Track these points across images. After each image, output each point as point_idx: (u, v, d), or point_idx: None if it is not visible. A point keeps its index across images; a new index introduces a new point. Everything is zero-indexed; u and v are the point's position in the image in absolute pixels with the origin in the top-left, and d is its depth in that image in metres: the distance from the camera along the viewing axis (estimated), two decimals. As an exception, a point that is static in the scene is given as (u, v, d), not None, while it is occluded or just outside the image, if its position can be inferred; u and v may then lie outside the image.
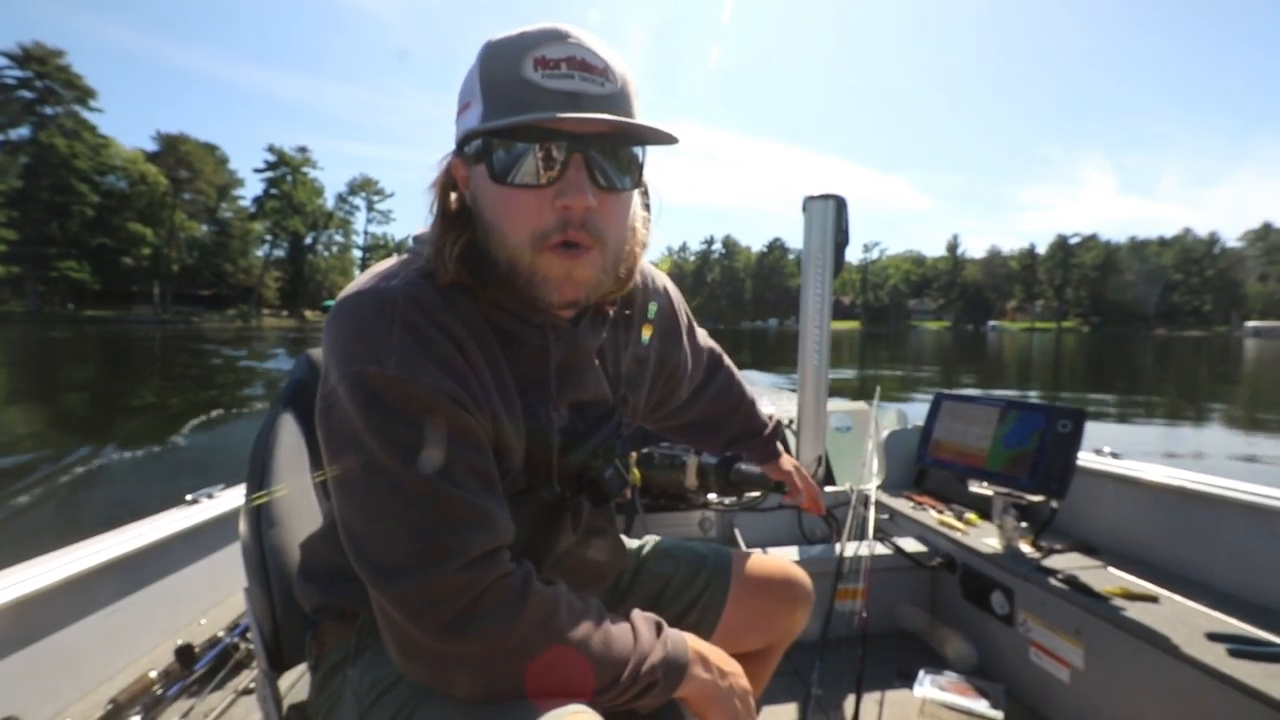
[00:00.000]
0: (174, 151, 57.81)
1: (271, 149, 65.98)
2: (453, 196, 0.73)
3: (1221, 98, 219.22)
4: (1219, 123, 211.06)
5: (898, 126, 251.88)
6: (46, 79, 48.40)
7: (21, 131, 47.52)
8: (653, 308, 0.91)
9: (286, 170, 66.00)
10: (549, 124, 0.62)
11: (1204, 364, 26.62)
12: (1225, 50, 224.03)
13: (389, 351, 0.62)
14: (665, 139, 0.67)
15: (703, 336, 1.14)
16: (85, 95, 50.28)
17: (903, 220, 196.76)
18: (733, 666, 0.77)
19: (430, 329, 0.64)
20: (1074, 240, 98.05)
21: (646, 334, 0.90)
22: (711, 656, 0.75)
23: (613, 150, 0.65)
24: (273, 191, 65.53)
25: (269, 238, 66.84)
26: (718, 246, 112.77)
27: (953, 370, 22.11)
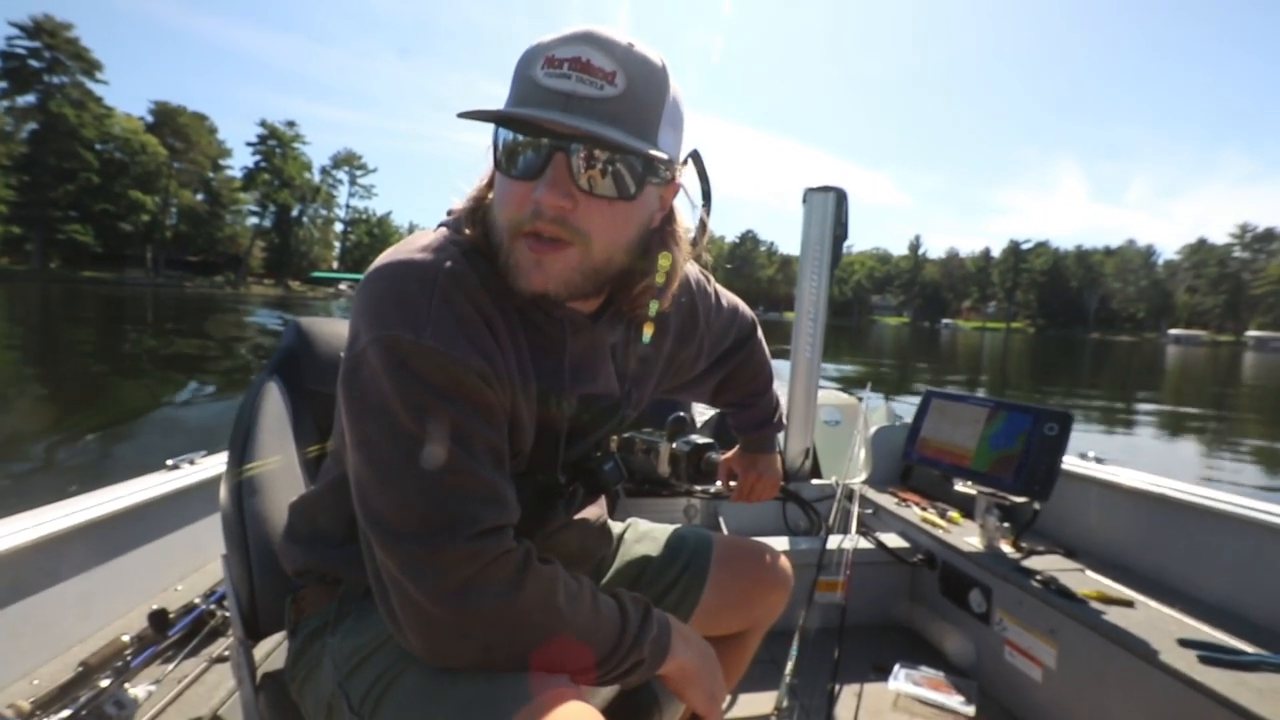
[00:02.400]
0: (171, 122, 59.58)
1: (263, 124, 67.36)
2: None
3: (1192, 110, 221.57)
4: (1188, 134, 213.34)
5: (882, 122, 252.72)
6: (55, 50, 50.32)
7: (28, 99, 49.58)
8: (653, 306, 0.89)
9: (277, 144, 67.46)
10: (533, 120, 0.62)
11: (1118, 367, 29.89)
12: (1197, 63, 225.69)
13: (426, 321, 0.63)
14: (641, 154, 0.63)
15: (734, 311, 1.11)
16: (92, 67, 52.44)
17: (883, 216, 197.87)
18: (708, 648, 0.81)
19: (467, 306, 0.66)
20: (1026, 246, 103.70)
21: (648, 332, 0.89)
22: (690, 635, 0.78)
23: (606, 155, 0.63)
24: (263, 165, 67.03)
25: (257, 209, 68.66)
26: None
27: (909, 364, 23.54)
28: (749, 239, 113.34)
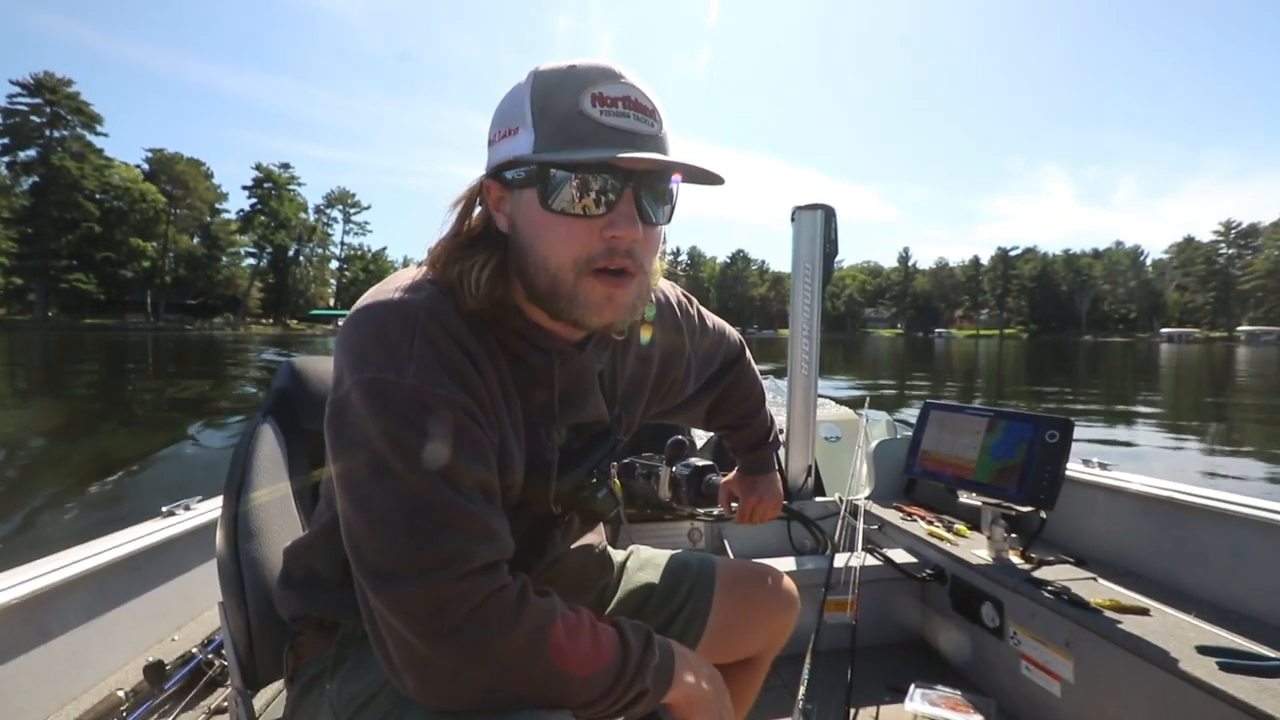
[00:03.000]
0: (168, 170, 62.87)
1: (259, 168, 71.04)
2: (473, 215, 0.74)
3: (1175, 110, 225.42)
4: (1172, 134, 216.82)
5: (867, 137, 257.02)
6: (55, 105, 54.03)
7: (29, 153, 53.44)
8: (650, 310, 0.92)
9: (272, 186, 70.23)
10: (609, 161, 0.64)
11: (1113, 368, 30.14)
12: (1179, 63, 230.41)
13: (408, 360, 0.63)
14: (714, 179, 0.69)
15: (720, 334, 1.12)
16: (92, 120, 56.19)
17: (870, 230, 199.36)
18: (714, 672, 0.79)
19: (449, 343, 0.66)
20: (1015, 253, 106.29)
21: (646, 335, 0.92)
22: (694, 661, 0.77)
23: (657, 186, 0.68)
24: (259, 207, 69.94)
25: (254, 250, 71.38)
26: (684, 257, 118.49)
27: (906, 375, 23.83)
28: (740, 258, 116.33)
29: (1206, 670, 1.14)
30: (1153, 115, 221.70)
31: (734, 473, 1.32)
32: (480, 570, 0.62)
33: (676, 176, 0.69)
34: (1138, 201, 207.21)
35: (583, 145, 0.64)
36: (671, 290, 0.99)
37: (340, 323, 0.71)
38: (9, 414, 11.20)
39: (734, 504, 1.32)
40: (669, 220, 0.72)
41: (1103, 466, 1.85)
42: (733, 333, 1.17)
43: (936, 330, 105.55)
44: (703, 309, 1.07)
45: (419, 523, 0.61)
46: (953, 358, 37.36)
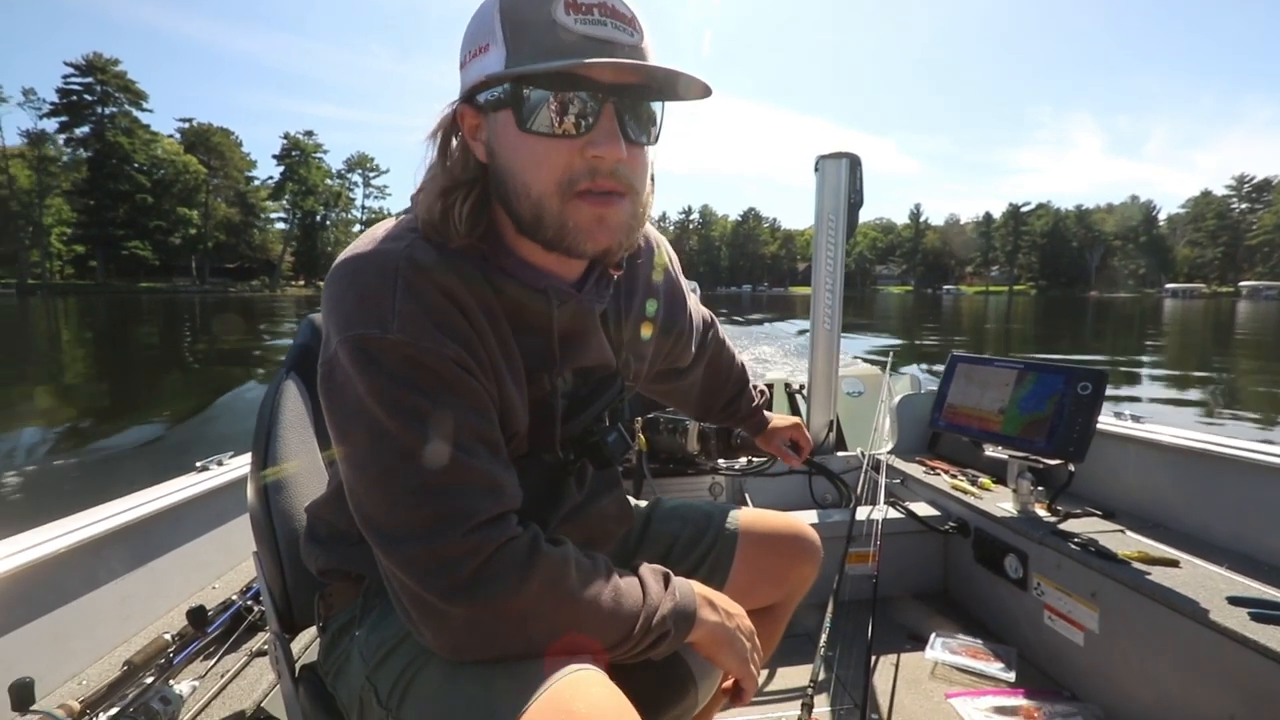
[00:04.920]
0: (204, 141, 67.59)
1: (287, 136, 75.39)
2: (452, 146, 0.69)
3: (1212, 55, 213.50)
4: (1209, 82, 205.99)
5: (884, 86, 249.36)
6: (105, 84, 58.51)
7: (83, 130, 58.08)
8: (651, 305, 0.89)
9: (300, 154, 74.20)
10: (584, 71, 0.59)
11: (1110, 324, 29.83)
12: (1212, 9, 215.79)
13: (392, 315, 0.60)
14: (700, 90, 0.64)
15: (694, 300, 1.12)
16: (138, 98, 60.72)
17: (889, 184, 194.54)
18: (736, 608, 0.78)
19: (434, 292, 0.62)
20: (1026, 208, 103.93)
21: (651, 307, 0.89)
22: (717, 600, 0.76)
23: (639, 103, 0.64)
24: (289, 175, 74.36)
25: (284, 216, 76.34)
26: (695, 216, 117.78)
27: (912, 327, 24.01)
28: (752, 216, 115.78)
29: (1238, 620, 1.13)
30: (1189, 60, 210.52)
31: (759, 438, 1.32)
32: (487, 524, 0.61)
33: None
34: (1170, 152, 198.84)
35: (557, 57, 0.59)
36: (666, 244, 0.97)
37: None
38: (92, 369, 12.65)
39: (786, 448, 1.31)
40: (654, 141, 0.68)
41: (1134, 419, 1.81)
42: (702, 306, 1.16)
43: (945, 287, 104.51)
44: None
45: (419, 481, 0.59)
46: (961, 314, 37.39)
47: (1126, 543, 1.47)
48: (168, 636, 1.43)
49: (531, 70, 0.59)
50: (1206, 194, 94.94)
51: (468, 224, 0.66)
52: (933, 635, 1.62)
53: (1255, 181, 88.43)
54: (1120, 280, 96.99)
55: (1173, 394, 9.72)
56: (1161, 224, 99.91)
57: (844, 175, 2.11)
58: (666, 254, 0.95)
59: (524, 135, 0.62)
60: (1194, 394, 9.88)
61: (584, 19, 0.59)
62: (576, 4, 0.59)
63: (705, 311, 1.14)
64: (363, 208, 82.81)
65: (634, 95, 0.62)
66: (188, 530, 1.69)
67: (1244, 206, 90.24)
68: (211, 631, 1.50)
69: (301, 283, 72.46)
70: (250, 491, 0.92)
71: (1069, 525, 1.56)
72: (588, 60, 0.58)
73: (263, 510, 0.89)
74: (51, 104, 56.96)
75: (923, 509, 1.89)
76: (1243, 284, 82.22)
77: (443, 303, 0.63)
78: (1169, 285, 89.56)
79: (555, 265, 0.72)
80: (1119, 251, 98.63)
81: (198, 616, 1.47)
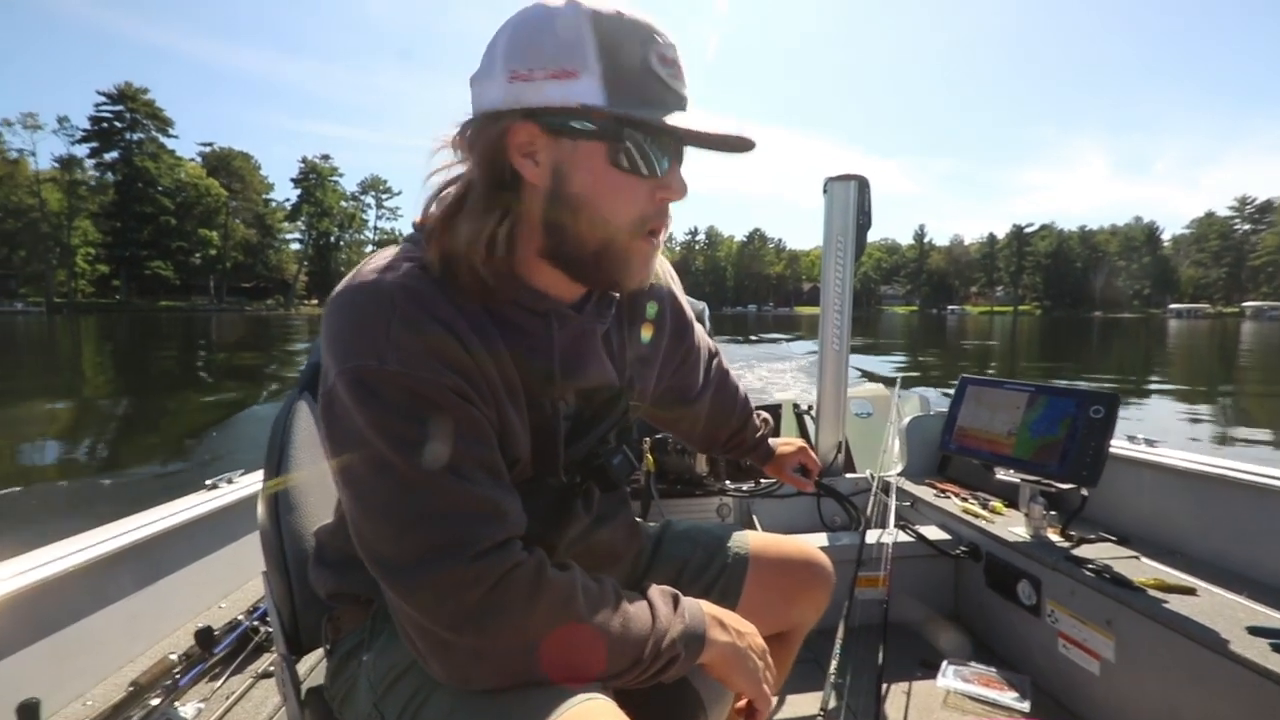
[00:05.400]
0: (225, 165, 71.38)
1: (304, 160, 79.48)
2: (502, 162, 0.66)
3: (1219, 77, 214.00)
4: (1217, 103, 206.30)
5: (889, 109, 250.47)
6: (134, 112, 62.44)
7: (112, 154, 62.44)
8: (652, 308, 0.89)
9: (317, 178, 78.08)
10: (681, 125, 0.63)
11: (1113, 344, 30.56)
12: (1222, 28, 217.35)
13: (388, 346, 0.60)
14: (750, 147, 0.69)
15: (699, 329, 1.12)
16: (165, 125, 64.73)
17: (895, 204, 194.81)
18: (748, 627, 0.78)
19: (430, 322, 0.62)
20: (1030, 229, 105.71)
21: (647, 334, 0.89)
22: (727, 619, 0.75)
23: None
24: (306, 198, 78.27)
25: (300, 237, 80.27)
26: (701, 237, 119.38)
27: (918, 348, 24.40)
28: (757, 236, 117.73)
29: (1258, 651, 1.10)
30: (1196, 82, 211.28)
31: (767, 466, 1.30)
32: (491, 551, 0.61)
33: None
34: (1178, 172, 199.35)
35: (654, 107, 0.63)
36: (671, 270, 0.98)
37: None
38: (115, 384, 13.14)
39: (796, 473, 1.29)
40: None
41: (1148, 443, 1.79)
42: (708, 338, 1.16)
43: (950, 307, 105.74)
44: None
45: (421, 511, 0.60)
46: (967, 334, 37.84)
47: (1142, 569, 1.44)
48: (174, 657, 1.43)
49: (643, 118, 0.62)
50: (1210, 215, 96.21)
51: (505, 244, 0.66)
52: (944, 663, 1.60)
53: (1258, 203, 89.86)
54: (1125, 300, 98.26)
55: (1182, 413, 9.69)
56: (1167, 244, 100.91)
57: (852, 197, 2.12)
58: (667, 274, 0.96)
59: (612, 170, 0.65)
60: (1204, 413, 9.83)
61: (670, 71, 0.64)
62: (665, 58, 0.64)
63: (710, 342, 1.15)
64: (375, 229, 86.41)
65: (742, 150, 0.68)
66: (196, 549, 1.69)
67: (1247, 227, 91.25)
68: (218, 652, 1.50)
69: (315, 302, 75.46)
70: (261, 511, 0.92)
71: (1082, 551, 1.54)
72: (698, 128, 0.63)
73: (273, 530, 0.89)
74: (84, 130, 61.19)
75: (933, 532, 1.87)
76: (1246, 304, 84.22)
77: (439, 332, 0.63)
78: (1173, 305, 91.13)
79: (556, 287, 0.72)
80: (1123, 272, 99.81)
81: (205, 637, 1.47)
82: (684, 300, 0.99)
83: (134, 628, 1.49)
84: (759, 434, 1.26)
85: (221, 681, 1.44)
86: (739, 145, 0.67)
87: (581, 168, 0.64)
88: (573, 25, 0.61)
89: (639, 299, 0.87)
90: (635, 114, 0.62)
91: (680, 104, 0.65)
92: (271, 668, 1.50)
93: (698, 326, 1.05)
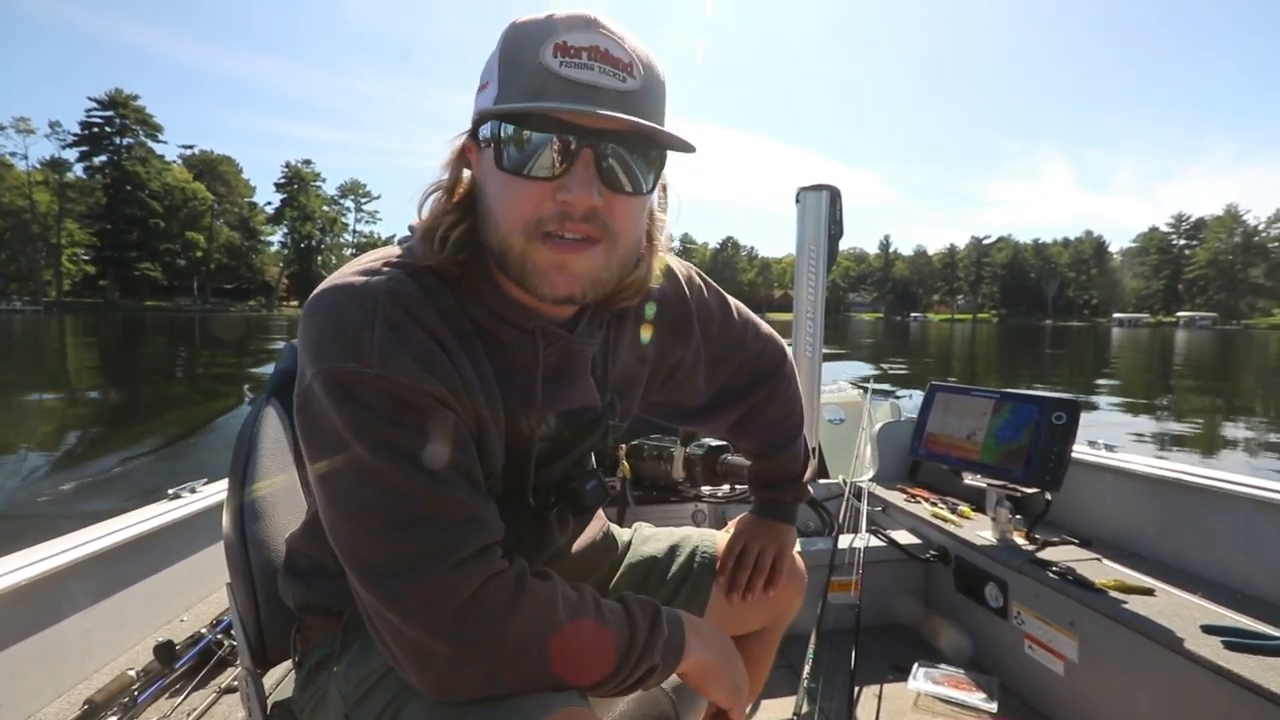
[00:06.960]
0: (211, 170, 74.19)
1: (288, 165, 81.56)
2: (464, 177, 0.69)
3: (1176, 94, 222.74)
4: (1174, 118, 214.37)
5: (865, 119, 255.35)
6: (124, 117, 64.93)
7: (101, 158, 64.88)
8: (650, 309, 0.86)
9: (299, 183, 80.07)
10: (560, 115, 0.58)
11: (1060, 348, 32.15)
12: (1179, 50, 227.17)
13: (369, 348, 0.59)
14: (681, 146, 0.64)
15: (753, 333, 0.99)
16: (154, 130, 67.86)
17: (868, 214, 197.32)
18: (725, 637, 0.78)
19: (412, 326, 0.61)
20: (987, 241, 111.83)
21: (646, 334, 0.86)
22: (704, 630, 0.76)
23: (629, 150, 0.62)
24: (289, 202, 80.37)
25: (284, 240, 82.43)
26: (675, 244, 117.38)
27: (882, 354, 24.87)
28: (730, 245, 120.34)
29: (1211, 649, 1.14)
30: (1154, 98, 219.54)
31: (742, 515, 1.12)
32: (472, 557, 0.60)
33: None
34: (1137, 185, 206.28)
35: (537, 99, 0.59)
36: (684, 269, 0.91)
37: None
38: (96, 382, 13.15)
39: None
40: (649, 189, 0.65)
41: (1108, 448, 1.85)
42: (775, 341, 1.03)
43: (912, 315, 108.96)
44: (738, 305, 0.98)
45: (398, 516, 0.58)
46: (928, 342, 38.65)
47: (1103, 571, 1.49)
48: (132, 673, 1.38)
49: (507, 109, 0.59)
50: (1154, 230, 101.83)
51: (453, 247, 0.65)
52: (915, 665, 1.62)
53: (1193, 220, 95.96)
54: (1075, 309, 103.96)
55: (1125, 419, 10.04)
56: (1116, 257, 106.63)
57: (824, 207, 2.15)
58: (685, 285, 0.90)
59: (498, 173, 0.62)
60: (1145, 420, 10.23)
61: (571, 62, 0.59)
62: (567, 48, 0.59)
63: (767, 357, 1.01)
64: (354, 232, 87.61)
65: (621, 142, 0.61)
66: (156, 560, 1.64)
67: (1182, 243, 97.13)
68: (179, 667, 1.46)
69: (295, 303, 76.92)
70: (226, 520, 0.89)
71: (1047, 553, 1.58)
72: (545, 104, 0.58)
73: (238, 539, 0.87)
74: (74, 135, 63.88)
75: (904, 537, 1.90)
76: (1180, 314, 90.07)
77: (422, 337, 0.62)
78: (1116, 315, 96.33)
79: (544, 306, 0.70)
80: (1073, 283, 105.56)
81: (165, 652, 1.43)
82: (696, 302, 0.91)
83: (90, 643, 1.44)
84: (771, 479, 1.10)
85: (183, 698, 1.40)
86: (653, 138, 0.62)
87: (486, 175, 0.65)
88: (500, 38, 0.64)
89: (629, 314, 0.83)
90: (501, 107, 0.59)
91: (576, 94, 0.58)
92: (235, 682, 1.46)
93: (729, 332, 0.96)
